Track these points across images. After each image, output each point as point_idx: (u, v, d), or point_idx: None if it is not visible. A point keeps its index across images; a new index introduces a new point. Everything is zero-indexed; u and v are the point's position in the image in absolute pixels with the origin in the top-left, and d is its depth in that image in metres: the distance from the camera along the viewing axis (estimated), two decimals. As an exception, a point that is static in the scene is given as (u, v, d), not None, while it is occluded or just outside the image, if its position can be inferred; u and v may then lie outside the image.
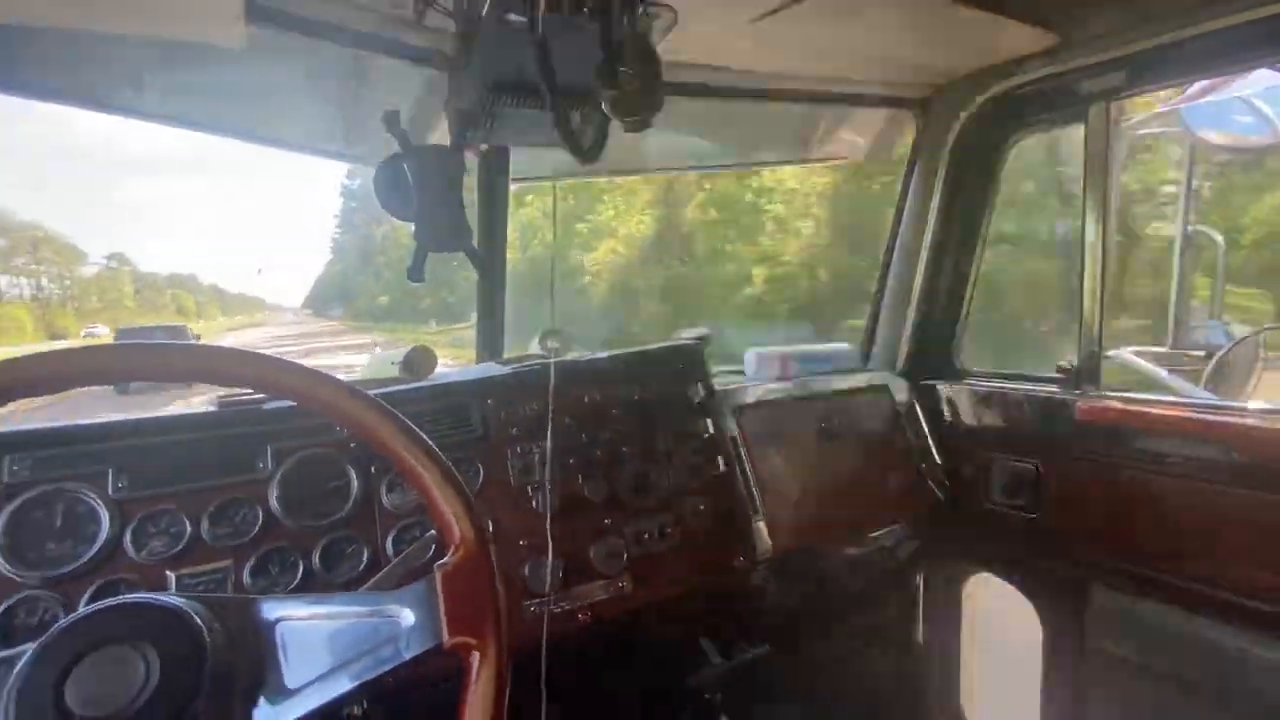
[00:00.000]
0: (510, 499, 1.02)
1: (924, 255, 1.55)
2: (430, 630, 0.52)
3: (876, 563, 1.50)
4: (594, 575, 1.02)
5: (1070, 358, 1.32)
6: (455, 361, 1.72)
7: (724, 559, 1.13)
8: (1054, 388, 1.34)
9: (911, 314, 1.62)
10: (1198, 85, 1.98)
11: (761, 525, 1.23)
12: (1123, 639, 1.26)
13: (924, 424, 1.53)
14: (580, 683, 0.99)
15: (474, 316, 1.44)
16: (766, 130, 1.82)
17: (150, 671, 0.46)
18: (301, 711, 0.50)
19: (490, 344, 1.39)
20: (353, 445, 0.95)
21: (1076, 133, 1.30)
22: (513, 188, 1.40)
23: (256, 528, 0.87)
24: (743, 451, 1.28)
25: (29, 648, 0.47)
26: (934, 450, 1.50)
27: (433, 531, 0.83)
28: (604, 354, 1.25)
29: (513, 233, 1.38)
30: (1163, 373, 1.26)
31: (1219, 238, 2.70)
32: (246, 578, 0.84)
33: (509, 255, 1.41)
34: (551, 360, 1.11)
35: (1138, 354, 1.30)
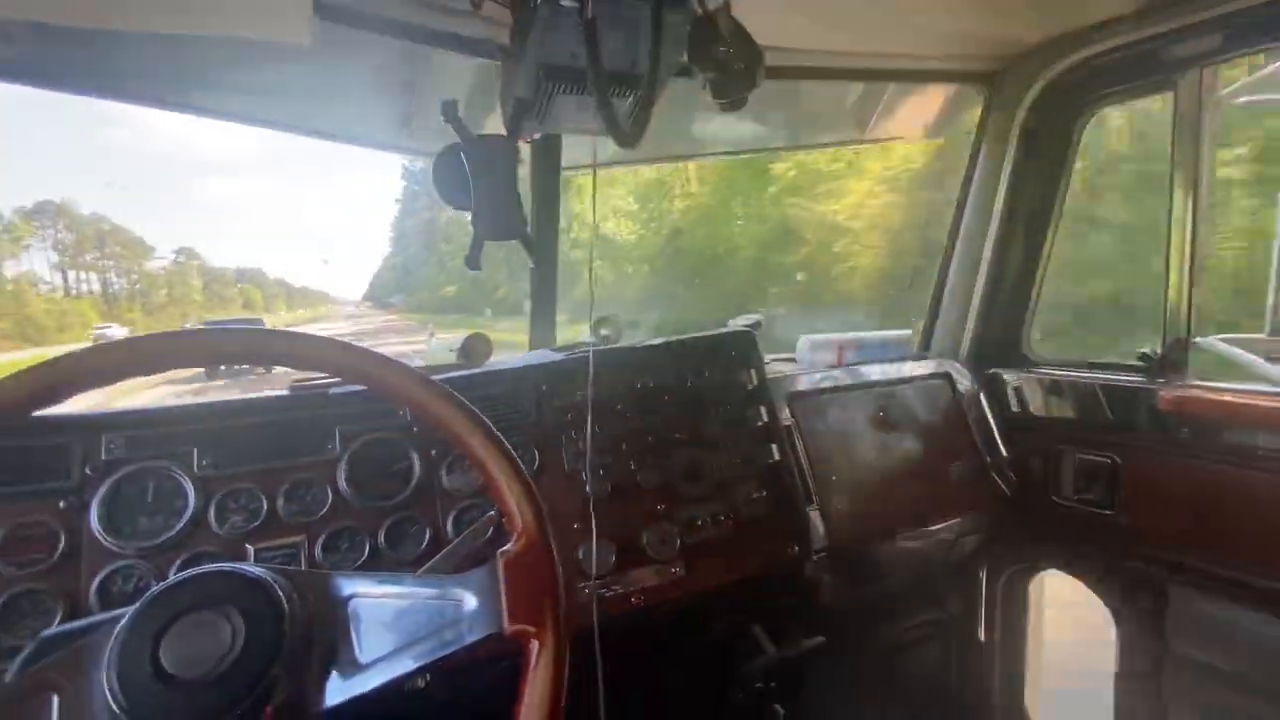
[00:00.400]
0: (564, 483, 1.03)
1: (990, 237, 1.47)
2: (491, 617, 0.53)
3: (937, 556, 1.45)
4: (646, 560, 1.02)
5: (1153, 345, 1.24)
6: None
7: (778, 548, 1.12)
8: (1134, 376, 1.26)
9: (976, 299, 1.55)
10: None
11: (816, 515, 1.21)
12: (1207, 645, 1.18)
13: (988, 413, 1.47)
14: (633, 665, 1.00)
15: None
16: (821, 111, 1.77)
17: (236, 636, 0.49)
18: (369, 686, 0.52)
19: (544, 331, 1.41)
20: (415, 430, 0.99)
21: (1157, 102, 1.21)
22: (564, 175, 1.41)
23: (326, 506, 0.91)
24: (797, 440, 1.26)
25: (128, 610, 0.50)
26: (999, 441, 1.44)
27: (491, 513, 0.85)
28: (656, 341, 1.25)
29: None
30: (1261, 361, 1.16)
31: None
32: (318, 552, 0.89)
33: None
34: (604, 347, 1.11)
35: (1228, 341, 1.20)
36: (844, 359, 1.57)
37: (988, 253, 1.49)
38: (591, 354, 1.09)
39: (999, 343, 1.53)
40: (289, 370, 0.98)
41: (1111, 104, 1.36)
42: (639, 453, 1.09)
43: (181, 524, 0.85)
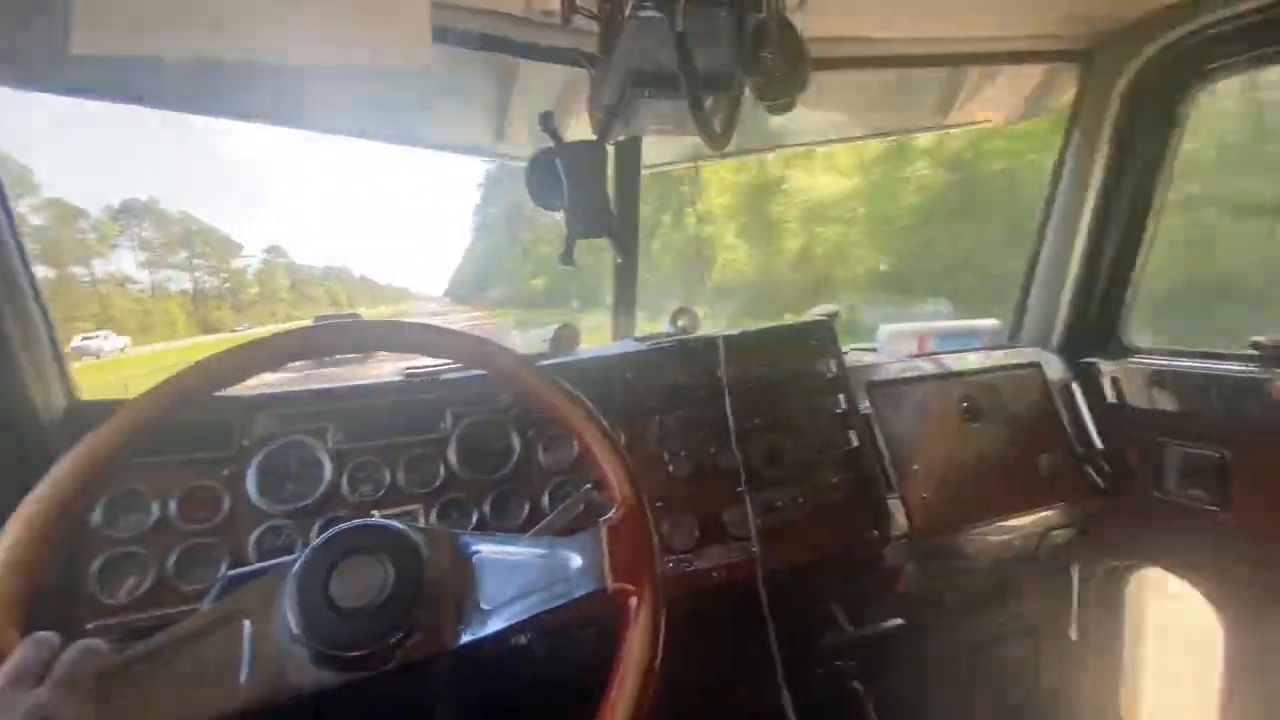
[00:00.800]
0: (648, 463, 1.10)
1: (1085, 221, 1.41)
2: (596, 575, 0.60)
3: (1025, 550, 1.42)
4: (726, 538, 1.07)
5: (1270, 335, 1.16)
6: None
7: (856, 533, 1.14)
8: (1247, 366, 1.19)
9: (1070, 285, 1.49)
10: None
11: (896, 503, 1.22)
12: None
13: (1081, 404, 1.41)
14: (716, 637, 1.05)
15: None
16: (902, 97, 1.74)
17: (387, 577, 0.58)
18: (491, 630, 0.60)
19: (626, 322, 1.48)
20: (513, 412, 1.08)
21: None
22: (645, 173, 1.47)
23: (439, 479, 1.02)
24: (876, 428, 1.27)
25: (299, 555, 0.60)
26: (1093, 433, 1.39)
27: (586, 487, 0.93)
28: (734, 330, 1.29)
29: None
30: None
31: None
32: (433, 519, 1.00)
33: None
34: (689, 337, 1.17)
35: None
36: (926, 348, 1.56)
37: (1082, 238, 1.43)
38: (722, 341, 1.17)
39: (1094, 331, 1.47)
40: (386, 356, 1.10)
41: (1222, 78, 1.27)
42: (718, 437, 1.14)
43: (320, 491, 0.97)
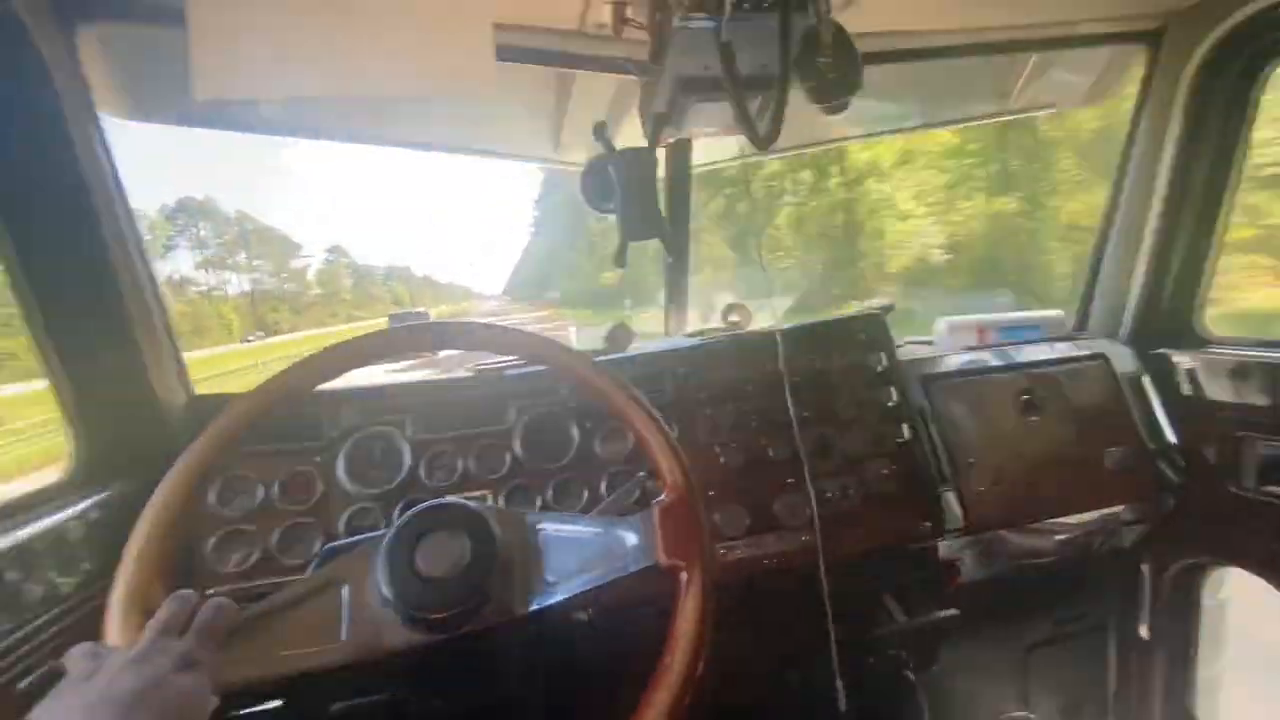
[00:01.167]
0: (699, 454, 1.14)
1: (1156, 207, 1.36)
2: (649, 551, 0.65)
3: (1092, 547, 1.38)
4: (777, 527, 1.11)
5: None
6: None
7: (909, 525, 1.15)
8: None
9: (1140, 274, 1.43)
10: None
11: (952, 496, 1.22)
12: None
13: (1153, 397, 1.36)
14: (768, 623, 1.09)
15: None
16: (958, 85, 1.71)
17: (464, 551, 0.65)
18: (556, 599, 0.66)
19: (678, 318, 1.53)
20: (572, 405, 1.15)
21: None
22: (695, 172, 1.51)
23: (506, 467, 1.10)
24: (930, 421, 1.27)
25: (388, 530, 0.68)
26: (1165, 427, 1.33)
27: (639, 475, 0.99)
28: (784, 325, 1.32)
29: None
30: None
31: None
32: (502, 504, 1.08)
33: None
34: (742, 332, 1.21)
35: None
36: (985, 340, 1.53)
37: (1152, 224, 1.37)
38: (774, 335, 1.20)
39: (1166, 321, 1.41)
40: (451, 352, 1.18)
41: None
42: (769, 429, 1.17)
43: (401, 477, 1.07)
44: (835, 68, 0.90)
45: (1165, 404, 1.35)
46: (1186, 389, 1.34)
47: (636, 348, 1.32)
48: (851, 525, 1.13)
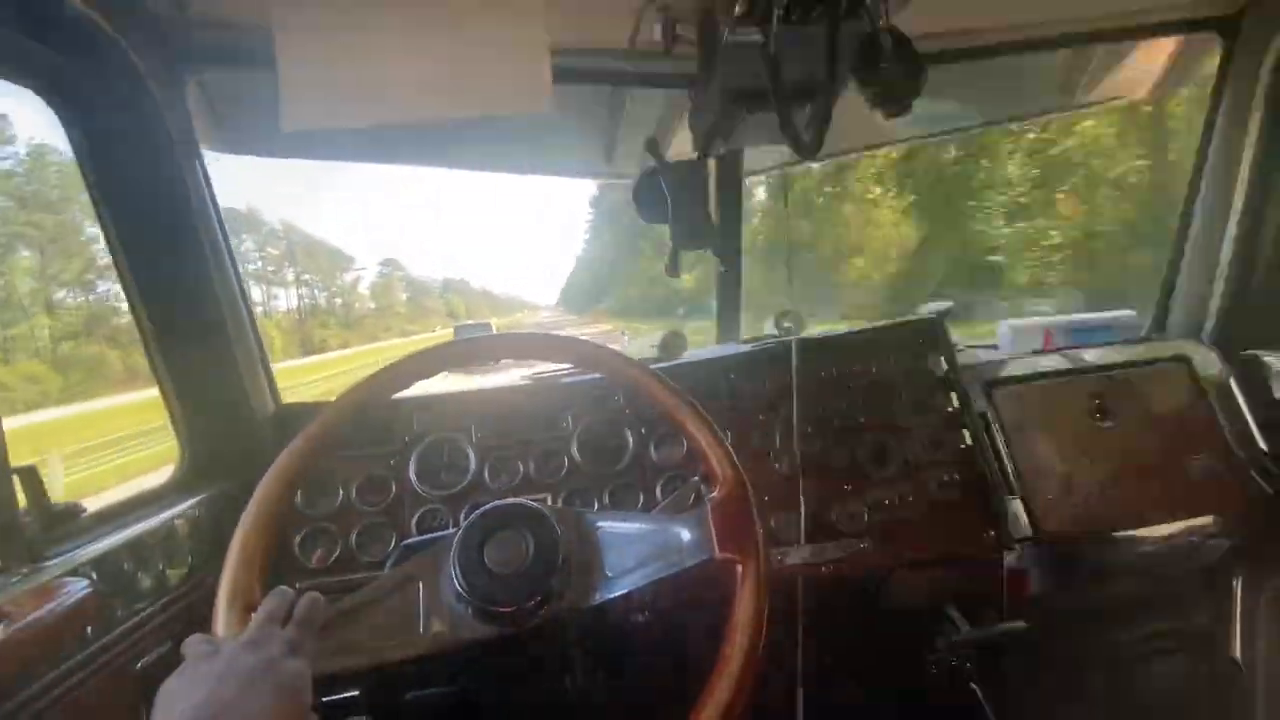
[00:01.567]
0: (753, 460, 1.14)
1: (1239, 200, 1.28)
2: (704, 546, 0.67)
3: (1175, 561, 1.30)
4: (835, 533, 1.10)
5: None
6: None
7: (971, 533, 1.12)
8: None
9: (1224, 271, 1.35)
10: None
11: (1018, 505, 1.18)
12: None
13: (1242, 402, 1.28)
14: (823, 629, 1.08)
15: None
16: (1020, 80, 1.66)
17: (528, 548, 0.69)
18: (615, 593, 0.69)
19: (730, 325, 1.54)
20: (627, 411, 1.18)
21: None
22: (746, 181, 1.53)
23: (564, 471, 1.14)
24: (994, 427, 1.23)
25: (458, 529, 0.72)
26: (1257, 434, 1.25)
27: (694, 479, 1.01)
28: (839, 331, 1.31)
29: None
30: None
31: None
32: (560, 506, 1.11)
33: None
34: (788, 338, 1.21)
35: None
36: (1051, 343, 1.48)
37: (1236, 218, 1.29)
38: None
39: (1256, 321, 1.32)
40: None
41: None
42: (825, 435, 1.16)
43: (467, 480, 1.12)
44: (896, 73, 0.90)
45: (1255, 409, 1.27)
46: None
47: (689, 355, 1.34)
48: (911, 533, 1.11)
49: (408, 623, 0.67)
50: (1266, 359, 1.28)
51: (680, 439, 1.14)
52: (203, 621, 0.63)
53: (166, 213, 1.00)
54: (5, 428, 0.72)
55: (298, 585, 1.03)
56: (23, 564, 0.74)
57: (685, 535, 0.69)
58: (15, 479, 0.75)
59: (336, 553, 1.07)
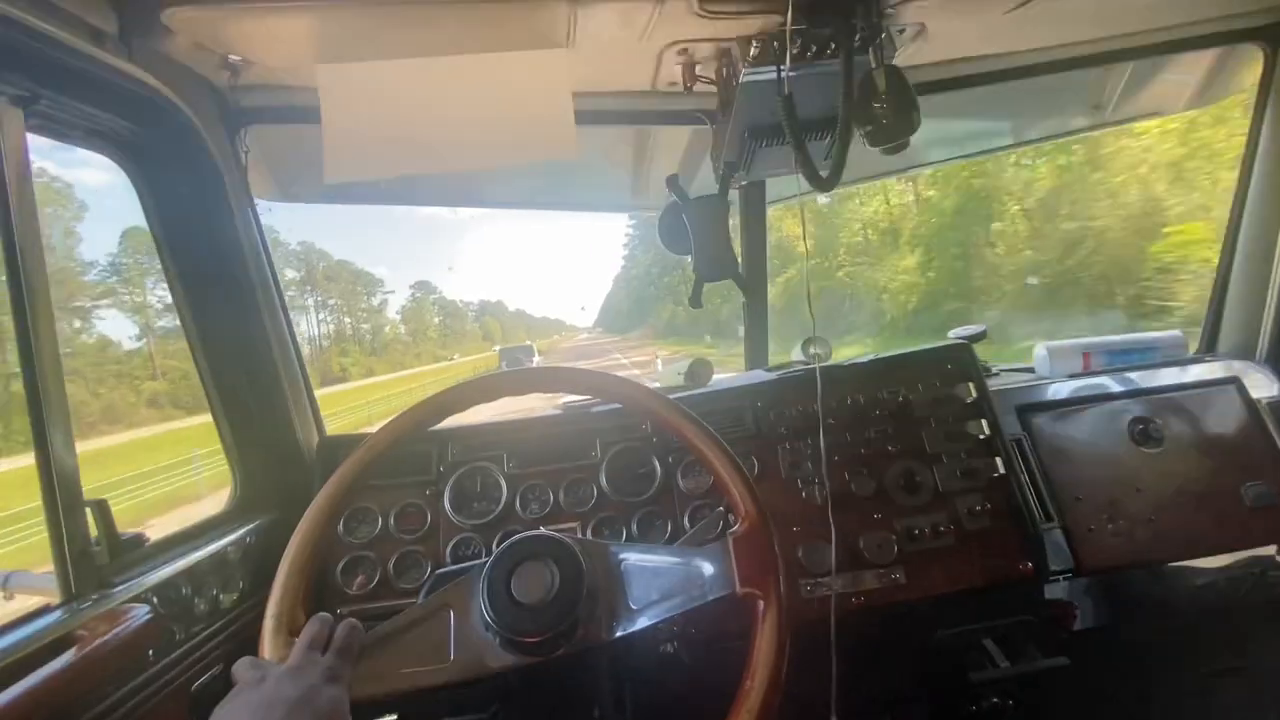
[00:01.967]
0: (782, 489, 1.14)
1: None
2: (726, 581, 0.68)
3: (1237, 594, 1.24)
4: (865, 564, 1.08)
5: None
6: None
7: (1007, 564, 1.09)
8: None
9: (1276, 289, 1.30)
10: None
11: (1058, 535, 1.14)
12: None
13: None
14: (855, 663, 1.06)
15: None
16: (1048, 99, 1.64)
17: (553, 579, 0.71)
18: (639, 626, 0.70)
19: (757, 353, 1.55)
20: (655, 440, 1.20)
21: None
22: (770, 209, 1.55)
23: (593, 500, 1.16)
24: (1030, 454, 1.20)
25: (488, 559, 0.75)
26: None
27: (719, 509, 1.02)
28: (866, 358, 1.30)
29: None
30: None
31: None
32: (589, 536, 1.13)
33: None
34: (817, 365, 1.21)
35: None
36: (1090, 365, 1.43)
37: None
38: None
39: None
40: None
41: None
42: (853, 464, 1.16)
43: (499, 509, 1.16)
44: (891, 111, 0.92)
45: None
46: None
47: (716, 382, 1.36)
48: (943, 563, 1.08)
49: (439, 650, 0.70)
50: (1326, 379, 1.22)
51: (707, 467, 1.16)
52: (253, 644, 0.67)
53: (223, 258, 1.09)
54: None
55: (338, 611, 1.09)
56: (93, 590, 0.80)
57: (708, 569, 0.70)
58: (88, 510, 0.81)
59: (375, 579, 1.12)
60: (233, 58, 0.97)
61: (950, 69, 1.29)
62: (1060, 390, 1.31)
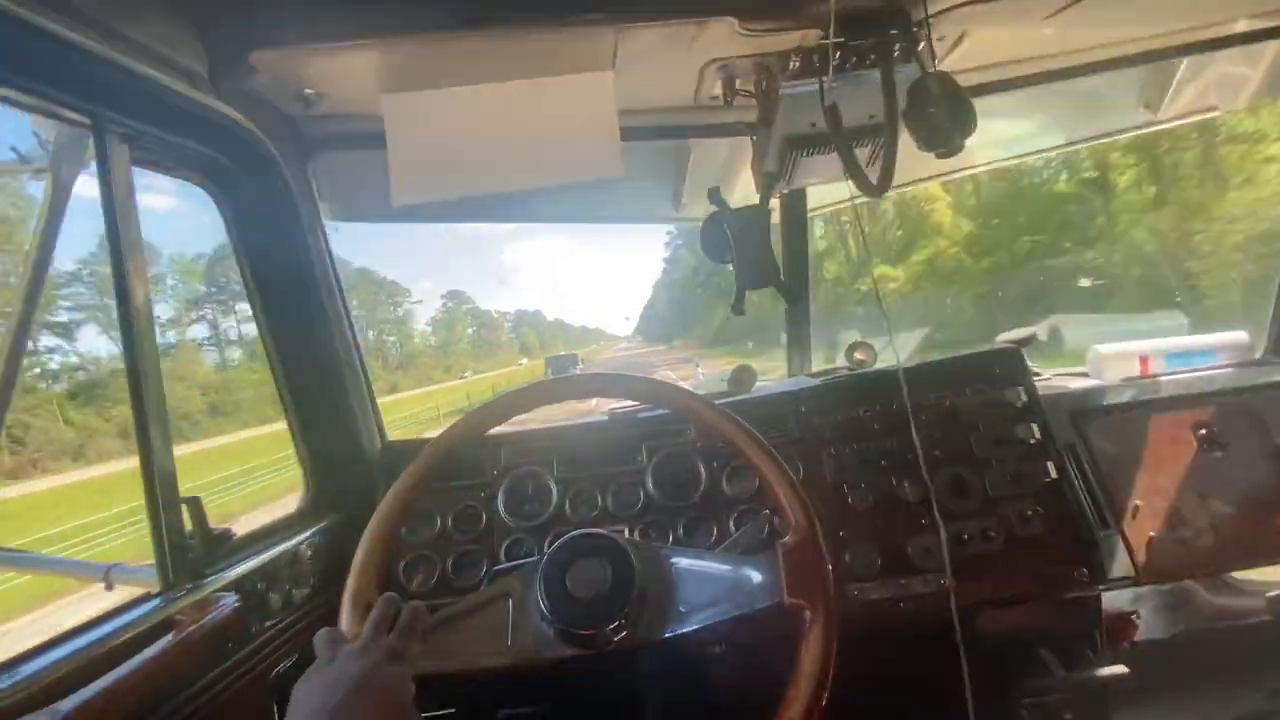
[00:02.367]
0: (826, 493, 1.15)
1: None
2: (774, 590, 0.69)
3: None
4: (913, 569, 1.08)
5: None
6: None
7: (1060, 571, 1.07)
8: None
9: None
10: None
11: (1116, 542, 1.11)
12: None
13: None
14: (903, 669, 1.06)
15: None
16: (1096, 100, 1.61)
17: (606, 576, 0.74)
18: (688, 628, 0.72)
19: (800, 359, 1.56)
20: (699, 445, 1.22)
21: None
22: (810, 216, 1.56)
23: (640, 504, 1.19)
24: (1084, 459, 1.18)
25: (544, 556, 0.79)
26: None
27: (764, 513, 1.03)
28: (912, 363, 1.30)
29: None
30: None
31: None
32: (636, 539, 1.16)
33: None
34: (859, 371, 1.22)
35: None
36: (1149, 369, 1.39)
37: None
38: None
39: None
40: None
41: None
42: (898, 468, 1.16)
43: (550, 511, 1.20)
44: (946, 115, 0.93)
45: None
46: None
47: (759, 388, 1.37)
48: (994, 569, 1.07)
49: (498, 636, 0.74)
50: None
51: (751, 472, 1.17)
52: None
53: (295, 275, 1.17)
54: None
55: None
56: (188, 580, 0.87)
57: (756, 577, 0.71)
58: (184, 507, 0.89)
59: (435, 578, 1.17)
60: (307, 91, 1.05)
61: (992, 72, 1.29)
62: (1116, 395, 1.28)
